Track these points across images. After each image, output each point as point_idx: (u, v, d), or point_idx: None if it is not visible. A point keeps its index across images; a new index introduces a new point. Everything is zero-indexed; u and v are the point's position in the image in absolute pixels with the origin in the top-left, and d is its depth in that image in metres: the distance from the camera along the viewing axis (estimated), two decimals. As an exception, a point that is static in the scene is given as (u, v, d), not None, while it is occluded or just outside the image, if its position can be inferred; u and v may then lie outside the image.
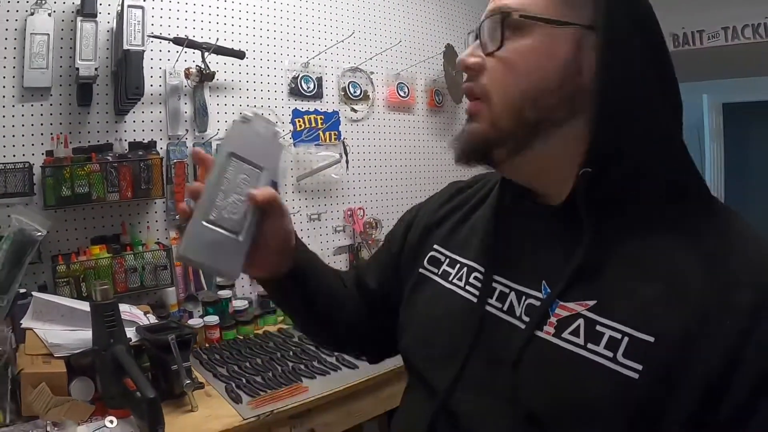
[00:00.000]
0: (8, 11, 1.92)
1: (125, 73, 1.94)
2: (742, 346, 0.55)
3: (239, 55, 2.40)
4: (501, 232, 0.78)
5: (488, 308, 0.74)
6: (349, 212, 2.91)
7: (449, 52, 3.24)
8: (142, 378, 1.41)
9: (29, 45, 1.92)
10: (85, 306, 1.71)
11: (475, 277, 0.78)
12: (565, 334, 0.64)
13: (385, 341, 0.95)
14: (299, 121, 2.70)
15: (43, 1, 1.95)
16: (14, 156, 1.93)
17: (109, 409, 1.50)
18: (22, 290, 1.74)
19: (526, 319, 0.69)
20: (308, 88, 2.73)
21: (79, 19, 1.90)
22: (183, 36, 2.24)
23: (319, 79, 2.78)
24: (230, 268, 0.75)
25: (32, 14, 1.94)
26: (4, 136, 1.93)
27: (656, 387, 0.57)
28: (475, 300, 0.76)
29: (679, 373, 0.56)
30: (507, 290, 0.73)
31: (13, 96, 1.95)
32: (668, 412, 0.56)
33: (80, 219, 2.08)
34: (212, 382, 1.80)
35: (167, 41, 2.20)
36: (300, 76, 2.70)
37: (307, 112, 2.74)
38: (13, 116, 1.95)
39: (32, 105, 1.99)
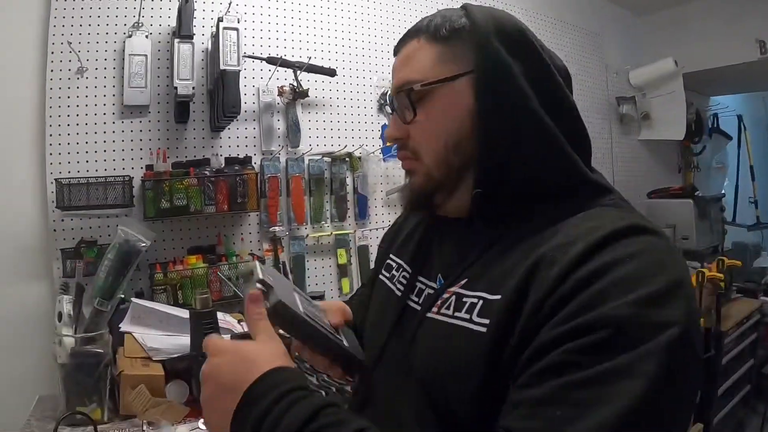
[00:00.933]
0: (107, 33, 2.02)
1: (222, 91, 2.00)
2: (561, 283, 0.62)
3: (330, 72, 2.44)
4: (429, 241, 0.92)
5: (409, 302, 0.87)
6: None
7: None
8: (236, 384, 1.43)
9: (128, 65, 2.01)
10: (181, 312, 1.76)
11: (404, 276, 0.93)
12: (443, 310, 0.77)
13: None
14: (388, 137, 2.70)
15: (141, 24, 2.04)
16: (114, 170, 2.02)
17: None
18: (121, 296, 1.81)
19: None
20: (396, 104, 2.73)
21: (176, 40, 1.99)
22: (276, 55, 2.30)
23: (407, 95, 2.77)
24: None
25: (130, 36, 2.03)
26: (105, 151, 2.03)
27: (499, 336, 0.66)
28: (400, 295, 0.90)
29: (515, 320, 0.65)
30: (423, 287, 0.87)
31: (114, 113, 2.05)
32: (508, 349, 0.64)
33: (177, 230, 2.16)
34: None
35: (261, 60, 2.25)
36: (389, 92, 2.71)
37: (396, 128, 2.73)
38: (113, 132, 2.05)
39: (132, 122, 2.08)
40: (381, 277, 1.00)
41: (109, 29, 2.02)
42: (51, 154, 1.95)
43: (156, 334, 1.73)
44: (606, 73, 4.07)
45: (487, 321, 0.68)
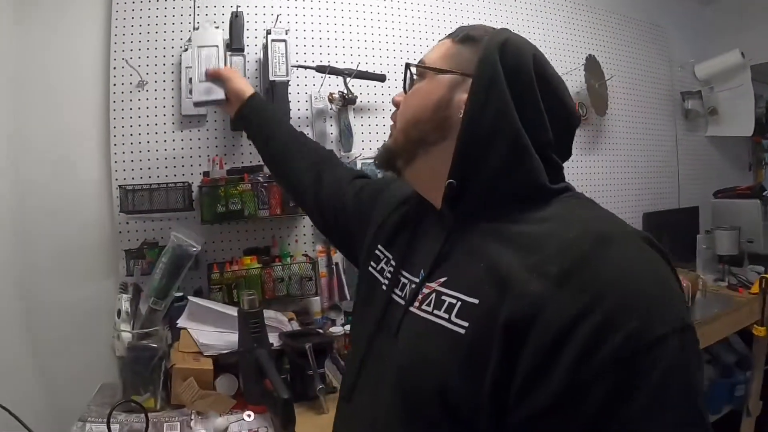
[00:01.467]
0: (164, 48, 2.15)
1: (273, 101, 2.10)
2: (543, 305, 0.66)
3: (380, 78, 2.49)
4: (413, 235, 0.98)
5: (393, 296, 0.94)
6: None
7: (591, 64, 3.15)
8: (278, 380, 1.50)
9: (185, 77, 2.13)
10: (232, 311, 1.86)
11: (390, 271, 0.99)
12: (424, 306, 0.83)
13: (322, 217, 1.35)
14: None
15: (195, 39, 2.18)
16: (175, 176, 2.16)
17: (249, 404, 1.63)
18: (180, 294, 1.93)
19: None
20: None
21: (228, 53, 2.09)
22: (327, 63, 2.38)
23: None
24: (220, 98, 1.63)
25: (186, 50, 2.15)
26: (166, 159, 2.16)
27: (479, 338, 0.71)
28: (385, 288, 0.97)
29: (494, 325, 0.69)
30: (406, 281, 0.93)
31: (173, 123, 2.19)
32: (491, 357, 0.69)
33: (234, 232, 2.27)
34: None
35: (311, 69, 2.34)
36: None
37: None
38: (173, 141, 2.18)
39: (190, 131, 2.21)
40: (369, 269, 1.05)
41: (167, 44, 2.16)
42: (116, 162, 2.10)
43: (209, 330, 1.84)
44: (670, 67, 3.96)
45: (465, 324, 0.74)
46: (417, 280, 0.88)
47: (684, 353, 0.63)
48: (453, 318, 0.76)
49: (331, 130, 2.48)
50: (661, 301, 0.65)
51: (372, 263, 1.05)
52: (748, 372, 3.11)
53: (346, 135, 2.46)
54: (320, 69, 2.31)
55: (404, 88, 0.99)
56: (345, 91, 2.39)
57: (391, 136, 1.00)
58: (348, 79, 2.38)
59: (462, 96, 0.86)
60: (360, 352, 0.96)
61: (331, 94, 2.40)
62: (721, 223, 3.57)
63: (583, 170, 3.33)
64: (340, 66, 2.41)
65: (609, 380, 0.61)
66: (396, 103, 1.00)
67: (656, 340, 0.61)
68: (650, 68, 3.82)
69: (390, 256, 1.01)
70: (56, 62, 2.03)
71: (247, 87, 1.62)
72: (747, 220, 3.60)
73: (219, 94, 1.64)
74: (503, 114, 0.82)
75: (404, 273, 0.94)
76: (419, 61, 0.96)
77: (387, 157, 0.98)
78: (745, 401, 3.08)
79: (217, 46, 1.75)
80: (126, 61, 2.08)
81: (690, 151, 4.10)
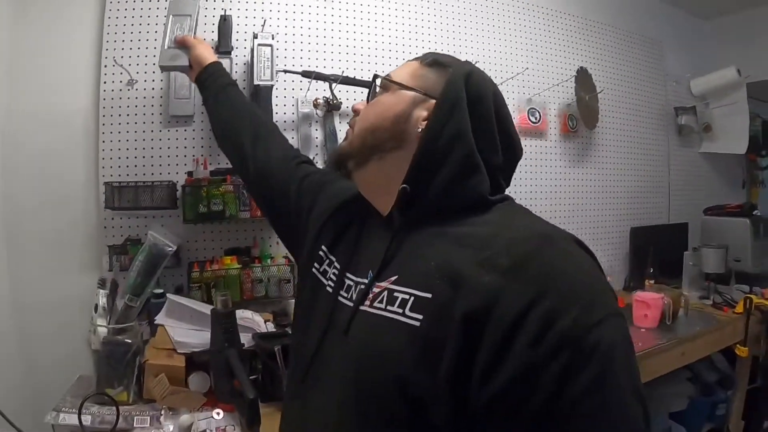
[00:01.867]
0: (155, 48, 2.21)
1: (257, 105, 2.17)
2: (498, 296, 0.73)
3: (366, 84, 2.56)
4: (358, 238, 1.04)
5: (339, 298, 0.98)
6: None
7: (582, 76, 3.22)
8: (246, 380, 1.56)
9: (173, 78, 2.21)
10: (209, 310, 1.94)
11: (334, 273, 1.04)
12: (376, 303, 0.87)
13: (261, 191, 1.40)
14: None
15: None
16: (161, 174, 2.24)
17: (219, 402, 1.69)
18: (160, 290, 2.01)
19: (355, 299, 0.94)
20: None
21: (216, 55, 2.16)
22: (315, 68, 2.46)
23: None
24: (183, 64, 1.72)
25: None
26: (152, 157, 2.24)
27: (434, 329, 0.77)
28: (331, 291, 1.01)
29: (450, 317, 0.75)
30: (352, 283, 0.98)
31: (161, 122, 2.26)
32: (447, 347, 0.75)
33: (217, 232, 2.35)
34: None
35: (297, 74, 2.40)
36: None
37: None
38: (160, 140, 2.26)
39: (177, 130, 2.29)
40: (313, 270, 1.10)
41: (157, 44, 2.21)
42: (103, 158, 2.17)
43: (186, 328, 1.90)
44: (665, 82, 4.03)
45: (420, 317, 0.79)
46: (365, 281, 0.93)
47: (620, 334, 0.73)
48: (407, 312, 0.81)
49: (317, 134, 2.55)
50: (599, 291, 0.76)
51: (315, 264, 1.10)
52: (729, 391, 3.16)
53: (331, 140, 2.52)
54: (306, 74, 2.38)
55: (368, 97, 1.08)
56: (330, 97, 2.46)
57: (346, 139, 1.07)
58: (334, 84, 2.44)
59: (421, 113, 0.96)
60: (308, 353, 1.00)
61: (316, 99, 2.47)
62: (710, 240, 3.63)
63: (569, 182, 3.40)
64: (327, 72, 2.48)
65: (560, 359, 0.68)
66: (356, 110, 1.08)
67: (597, 323, 0.71)
68: (644, 82, 3.89)
69: (333, 259, 1.06)
70: (50, 60, 2.11)
71: (210, 55, 1.71)
72: (736, 239, 3.65)
73: (183, 60, 1.74)
74: (461, 134, 0.92)
75: (349, 276, 0.99)
76: (386, 75, 1.04)
77: (339, 159, 1.06)
78: (726, 420, 3.13)
79: (190, 16, 1.83)
80: (115, 59, 2.15)
81: (682, 166, 4.17)
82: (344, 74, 2.48)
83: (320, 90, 2.50)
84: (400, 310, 0.82)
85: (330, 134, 2.52)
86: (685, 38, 4.26)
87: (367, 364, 0.85)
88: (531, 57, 3.22)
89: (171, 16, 1.81)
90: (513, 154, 1.01)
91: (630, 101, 3.77)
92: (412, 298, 0.82)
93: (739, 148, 4.04)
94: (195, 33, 1.81)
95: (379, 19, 2.76)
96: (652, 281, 3.19)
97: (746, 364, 3.07)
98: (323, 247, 1.11)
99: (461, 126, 0.92)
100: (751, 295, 3.01)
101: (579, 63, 3.34)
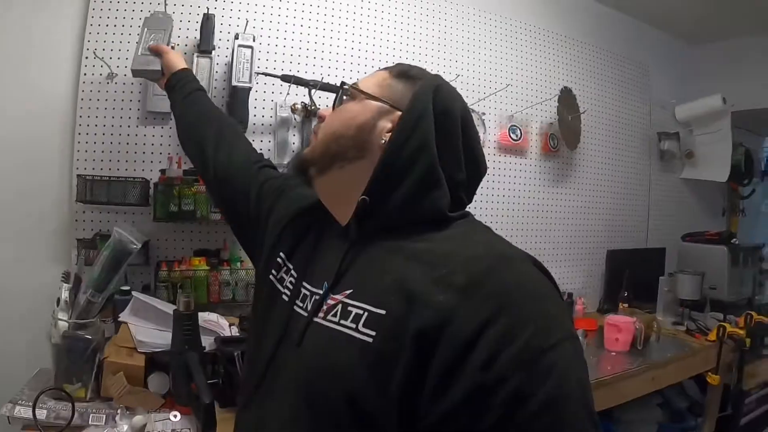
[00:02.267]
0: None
1: (234, 106, 2.20)
2: (451, 314, 0.75)
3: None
4: (315, 248, 1.04)
5: (295, 308, 0.98)
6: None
7: (566, 96, 3.26)
8: (203, 384, 1.57)
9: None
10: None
11: (291, 282, 1.04)
12: (329, 316, 0.88)
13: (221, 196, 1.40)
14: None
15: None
16: (135, 170, 2.26)
17: (177, 404, 1.70)
18: (127, 288, 2.02)
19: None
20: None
21: (195, 54, 2.20)
22: (293, 73, 2.47)
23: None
24: (156, 68, 1.78)
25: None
26: (127, 152, 2.26)
27: (387, 346, 0.78)
28: (287, 300, 1.01)
29: (403, 334, 0.77)
30: (308, 293, 0.98)
31: (138, 118, 2.28)
32: (399, 364, 0.76)
33: (188, 232, 2.36)
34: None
35: (276, 78, 2.42)
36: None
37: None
38: (136, 135, 2.28)
39: (153, 127, 2.31)
40: (270, 277, 1.10)
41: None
42: (78, 151, 2.19)
43: (149, 327, 1.91)
44: (650, 106, 4.10)
45: (373, 333, 0.80)
46: (320, 292, 0.93)
47: (575, 358, 0.76)
48: (360, 328, 0.82)
49: (294, 140, 2.57)
50: (554, 313, 0.77)
51: (273, 271, 1.10)
52: (699, 418, 3.20)
53: (308, 145, 2.52)
54: (285, 78, 2.40)
55: (334, 104, 1.08)
56: (309, 103, 2.48)
57: (309, 145, 1.07)
58: (313, 90, 2.46)
59: (386, 124, 0.97)
60: (262, 361, 1.00)
61: (294, 104, 2.49)
62: (687, 266, 3.69)
63: (548, 201, 3.44)
64: (307, 77, 2.50)
65: (512, 382, 0.70)
66: (321, 117, 1.09)
67: (552, 346, 0.73)
68: (628, 105, 3.96)
69: (291, 266, 1.07)
70: (31, 50, 2.13)
71: (180, 62, 1.78)
72: (713, 267, 3.72)
73: (156, 65, 1.80)
74: (424, 147, 0.92)
75: (306, 285, 0.99)
76: (354, 84, 1.05)
77: (301, 165, 1.05)
78: (695, 447, 3.17)
79: (164, 30, 1.90)
80: (94, 52, 2.17)
81: (662, 191, 4.24)
82: (324, 80, 2.50)
83: (300, 95, 2.53)
84: (354, 325, 0.83)
85: (307, 140, 2.54)
86: (672, 63, 4.34)
87: (318, 378, 0.85)
88: (515, 73, 3.26)
89: (146, 29, 1.89)
90: (477, 170, 1.02)
91: (613, 123, 3.84)
92: (366, 314, 0.82)
93: (720, 176, 4.12)
94: (168, 44, 1.88)
95: (363, 27, 2.79)
96: (626, 305, 3.23)
97: (717, 392, 3.11)
98: (281, 254, 1.11)
99: (425, 140, 0.93)
100: (725, 324, 3.06)
101: (564, 82, 3.39)
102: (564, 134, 3.30)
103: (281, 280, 1.07)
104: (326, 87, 2.48)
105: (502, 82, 3.15)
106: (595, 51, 3.72)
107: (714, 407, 3.15)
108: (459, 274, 0.78)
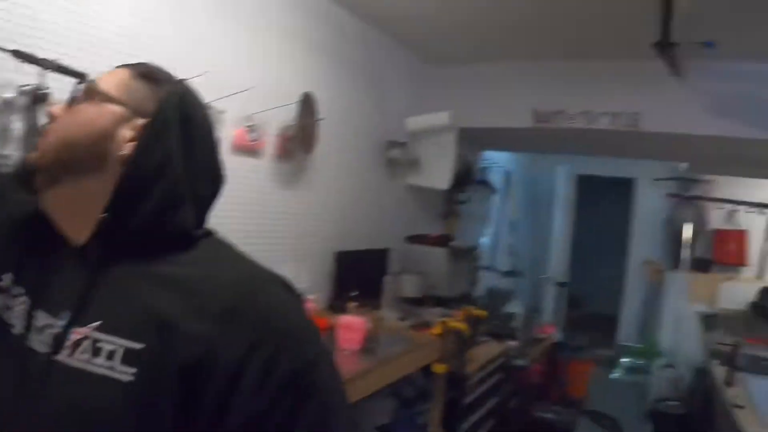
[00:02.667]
0: None
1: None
2: (213, 345, 0.74)
3: (79, 75, 2.25)
4: (47, 269, 0.87)
5: (31, 344, 0.81)
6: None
7: (306, 101, 3.34)
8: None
9: None
10: None
11: (21, 310, 0.85)
12: (77, 354, 0.77)
13: None
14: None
15: None
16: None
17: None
18: None
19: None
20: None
21: None
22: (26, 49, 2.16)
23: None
24: None
25: None
26: None
27: (150, 383, 0.74)
28: (19, 334, 0.83)
29: (165, 369, 0.73)
30: (44, 323, 0.82)
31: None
32: (167, 402, 0.73)
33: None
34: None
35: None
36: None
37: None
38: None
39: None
40: None
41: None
42: None
43: None
44: (385, 117, 4.43)
45: (133, 370, 0.74)
46: (61, 323, 0.80)
47: (332, 369, 0.83)
48: (117, 366, 0.74)
49: (18, 126, 2.29)
50: (308, 332, 0.84)
51: None
52: (428, 404, 3.56)
53: (33, 136, 2.29)
54: (18, 54, 2.12)
55: (69, 102, 0.92)
56: (38, 85, 2.24)
57: (37, 149, 0.90)
58: (46, 71, 2.20)
59: (126, 133, 0.86)
60: None
61: (19, 85, 2.23)
62: (411, 266, 4.10)
63: (279, 203, 3.47)
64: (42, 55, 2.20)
65: (285, 403, 0.74)
66: (53, 115, 0.91)
67: (312, 363, 0.79)
68: (365, 115, 4.23)
69: (21, 291, 0.87)
70: None
71: None
72: (434, 266, 4.22)
73: None
74: (169, 161, 0.85)
75: (41, 313, 0.83)
76: (92, 80, 0.92)
77: (25, 171, 0.91)
78: (426, 429, 3.53)
79: None
80: None
81: (389, 196, 4.60)
82: (60, 61, 2.24)
83: (32, 75, 2.21)
84: (109, 363, 0.75)
85: (32, 129, 2.31)
86: (408, 78, 4.75)
87: (70, 429, 0.75)
88: (258, 74, 3.20)
89: None
90: (218, 184, 0.98)
91: (349, 131, 4.04)
92: (122, 349, 0.75)
93: (441, 184, 4.56)
94: None
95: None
96: (354, 303, 3.42)
97: (442, 379, 3.46)
98: (5, 276, 0.90)
99: (170, 153, 0.85)
100: (446, 319, 3.48)
101: (306, 88, 3.43)
102: (301, 138, 3.36)
103: (8, 308, 0.86)
104: (63, 70, 2.23)
105: (247, 82, 3.00)
106: (337, 60, 3.85)
107: (440, 392, 3.50)
108: (213, 302, 0.77)
